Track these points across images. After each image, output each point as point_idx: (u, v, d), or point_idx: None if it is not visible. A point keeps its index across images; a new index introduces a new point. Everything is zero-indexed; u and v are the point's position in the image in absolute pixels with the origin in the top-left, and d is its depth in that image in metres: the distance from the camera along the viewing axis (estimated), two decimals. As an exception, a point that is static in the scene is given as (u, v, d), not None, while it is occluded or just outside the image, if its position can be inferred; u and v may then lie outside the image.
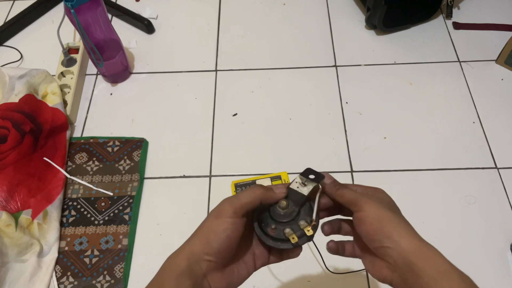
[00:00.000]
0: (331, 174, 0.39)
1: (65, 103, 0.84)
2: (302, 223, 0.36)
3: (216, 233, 0.34)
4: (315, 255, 0.68)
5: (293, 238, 0.36)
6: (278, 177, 0.75)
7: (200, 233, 0.35)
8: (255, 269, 0.39)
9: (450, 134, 0.81)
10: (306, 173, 0.38)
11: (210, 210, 0.73)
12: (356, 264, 0.68)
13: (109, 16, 1.02)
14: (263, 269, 0.68)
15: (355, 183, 0.75)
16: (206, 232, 0.35)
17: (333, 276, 0.67)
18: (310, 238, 0.37)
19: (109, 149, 0.81)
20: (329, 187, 0.39)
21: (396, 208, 0.37)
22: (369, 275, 0.67)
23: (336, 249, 0.41)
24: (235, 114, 0.86)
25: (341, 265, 0.68)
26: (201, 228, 0.36)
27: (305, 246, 0.72)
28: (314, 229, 0.37)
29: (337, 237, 0.42)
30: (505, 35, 0.91)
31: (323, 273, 0.67)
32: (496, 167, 0.77)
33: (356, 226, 0.36)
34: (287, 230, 0.36)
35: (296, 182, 0.38)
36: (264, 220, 0.37)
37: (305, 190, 0.38)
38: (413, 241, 0.33)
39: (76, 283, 0.68)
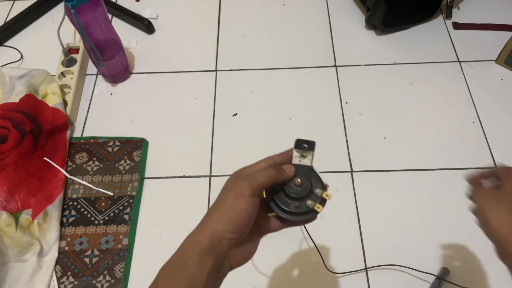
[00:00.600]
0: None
1: (65, 103, 0.84)
2: (318, 191, 0.38)
3: (238, 211, 0.35)
4: (315, 255, 0.68)
5: (318, 207, 0.38)
6: (278, 177, 0.75)
7: (221, 212, 0.36)
8: (260, 238, 0.41)
9: (450, 134, 0.81)
10: (299, 145, 0.40)
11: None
12: (356, 264, 0.68)
13: (109, 16, 1.02)
14: (264, 269, 0.68)
15: (355, 183, 0.75)
16: (227, 211, 0.36)
17: (333, 276, 0.67)
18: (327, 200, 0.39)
19: (109, 149, 0.81)
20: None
21: None
22: (369, 274, 0.67)
23: None
24: (235, 114, 0.86)
25: (341, 265, 0.68)
26: (220, 207, 0.37)
27: (305, 246, 0.72)
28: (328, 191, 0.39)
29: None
30: (505, 35, 0.92)
31: (323, 273, 0.67)
32: (495, 167, 0.77)
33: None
34: (309, 202, 0.38)
35: (296, 157, 0.40)
36: (280, 199, 0.39)
37: (307, 161, 0.40)
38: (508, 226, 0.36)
39: (76, 283, 0.68)
